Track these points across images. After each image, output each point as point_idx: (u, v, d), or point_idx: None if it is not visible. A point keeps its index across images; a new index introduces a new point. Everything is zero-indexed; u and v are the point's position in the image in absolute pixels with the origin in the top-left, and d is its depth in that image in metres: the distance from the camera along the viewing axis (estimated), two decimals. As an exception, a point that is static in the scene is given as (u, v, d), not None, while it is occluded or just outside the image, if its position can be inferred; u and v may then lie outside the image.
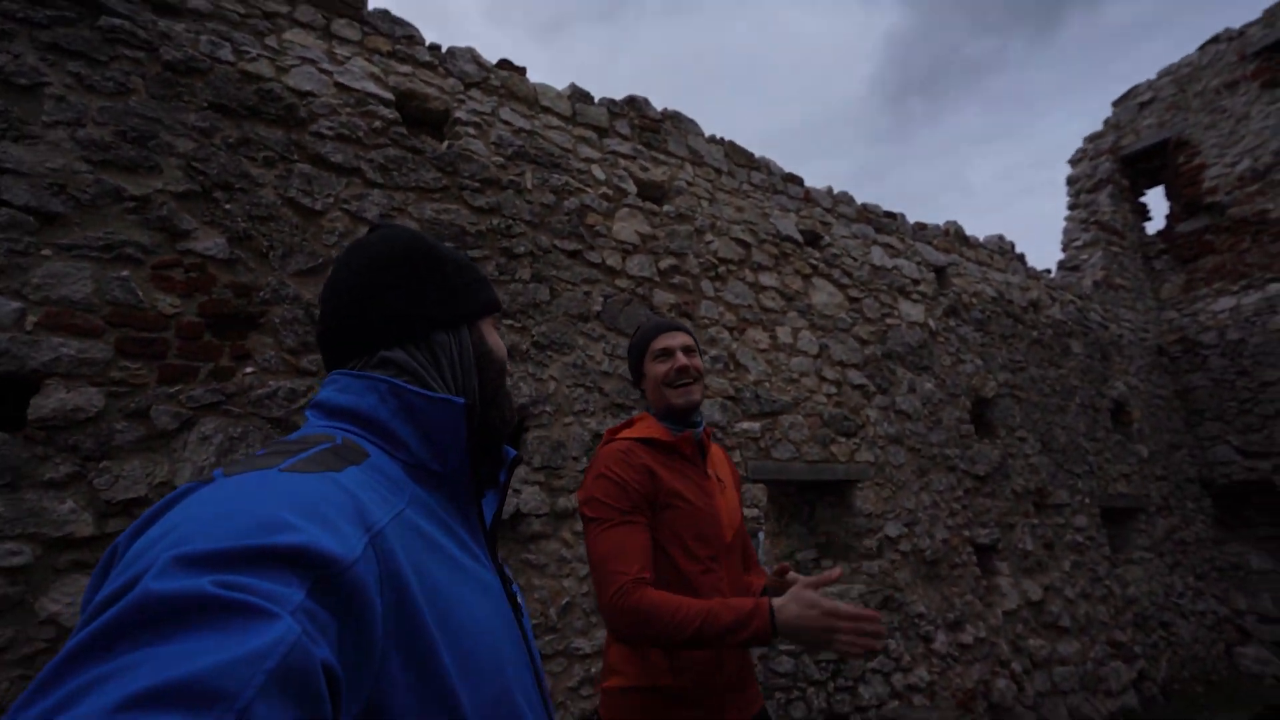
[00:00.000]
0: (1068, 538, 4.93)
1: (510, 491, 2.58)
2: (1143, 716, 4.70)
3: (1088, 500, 5.22)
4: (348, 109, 2.60)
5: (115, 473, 1.89)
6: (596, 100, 3.47)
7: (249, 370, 2.17)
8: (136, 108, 2.15)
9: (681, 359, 1.42)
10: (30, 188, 1.94)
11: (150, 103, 2.18)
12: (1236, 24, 10.83)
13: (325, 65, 2.60)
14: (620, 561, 1.23)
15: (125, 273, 2.03)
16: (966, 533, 4.23)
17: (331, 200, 2.46)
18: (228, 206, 2.25)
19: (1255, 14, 6.87)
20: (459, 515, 0.59)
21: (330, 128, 2.53)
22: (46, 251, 1.93)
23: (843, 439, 3.76)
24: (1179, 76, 7.59)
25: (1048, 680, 4.32)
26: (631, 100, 3.61)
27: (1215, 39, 7.33)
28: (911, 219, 5.00)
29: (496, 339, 0.71)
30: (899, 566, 3.78)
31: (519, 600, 0.66)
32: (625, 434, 1.43)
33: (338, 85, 2.60)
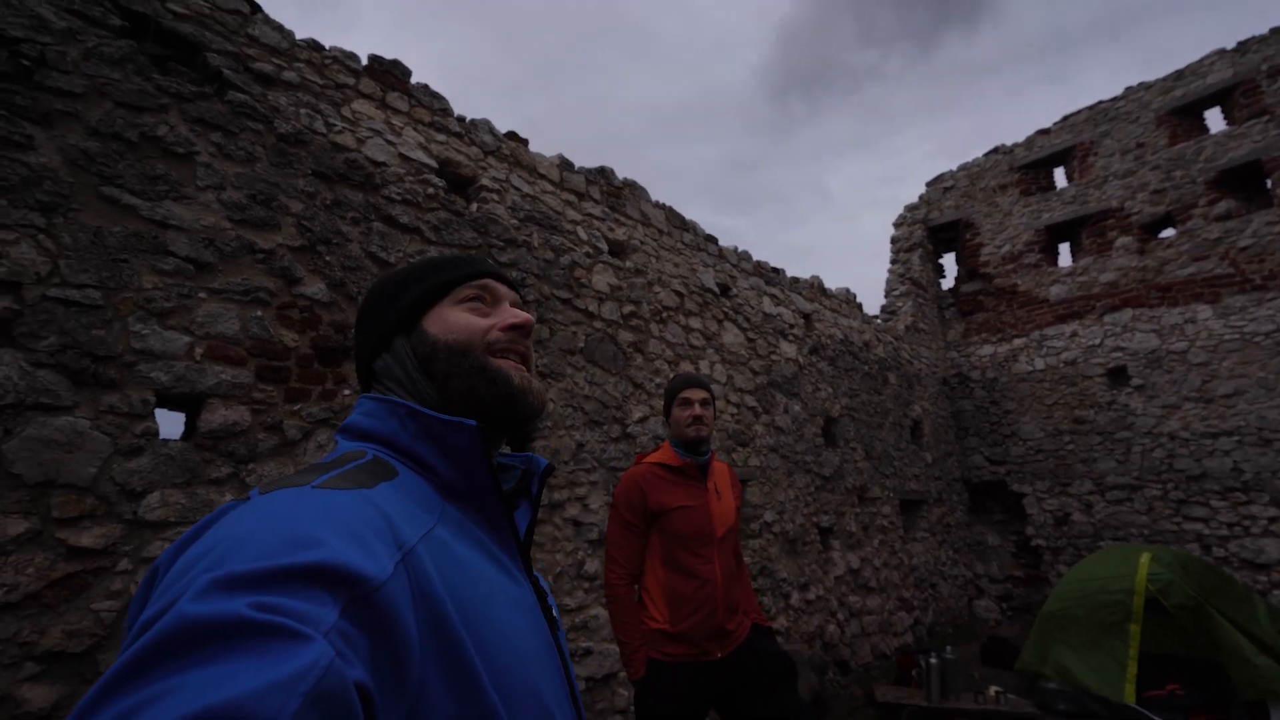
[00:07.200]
0: (878, 522, 6.64)
1: (523, 488, 3.34)
2: (915, 649, 6.53)
3: (892, 494, 7.02)
4: (409, 177, 3.18)
5: (259, 473, 2.42)
6: (576, 168, 4.27)
7: (346, 392, 2.74)
8: (261, 174, 2.62)
9: (697, 409, 2.09)
10: (189, 241, 2.37)
11: (270, 169, 2.66)
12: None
13: (389, 137, 3.16)
14: (619, 552, 2.05)
15: (259, 313, 2.52)
16: (815, 519, 5.66)
17: (400, 255, 3.06)
18: (327, 258, 2.78)
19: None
20: (491, 530, 0.61)
21: (398, 193, 3.10)
22: (203, 294, 2.38)
23: (740, 448, 4.95)
24: (971, 173, 9.97)
25: (859, 626, 5.92)
26: (601, 170, 4.45)
27: (996, 150, 9.77)
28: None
29: (453, 318, 0.68)
30: (771, 544, 5.06)
31: (555, 614, 0.68)
32: (648, 459, 2.13)
33: (400, 156, 3.17)
